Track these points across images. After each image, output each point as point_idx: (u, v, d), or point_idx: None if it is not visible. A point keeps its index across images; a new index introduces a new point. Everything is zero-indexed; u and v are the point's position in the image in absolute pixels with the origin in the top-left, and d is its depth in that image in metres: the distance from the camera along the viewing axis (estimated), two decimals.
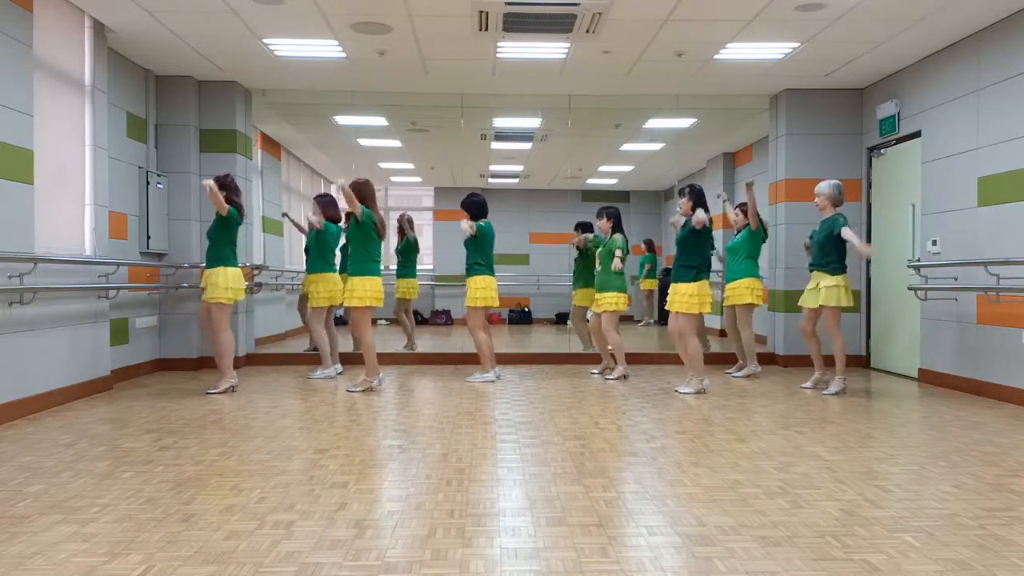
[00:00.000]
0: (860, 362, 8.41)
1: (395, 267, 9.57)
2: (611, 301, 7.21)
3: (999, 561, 2.68)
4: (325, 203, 7.54)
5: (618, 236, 7.33)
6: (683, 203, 6.53)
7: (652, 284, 13.91)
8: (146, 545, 2.80)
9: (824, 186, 6.56)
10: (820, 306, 6.45)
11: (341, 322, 10.74)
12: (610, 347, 7.43)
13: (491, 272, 7.05)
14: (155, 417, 5.32)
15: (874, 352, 8.26)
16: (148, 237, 7.54)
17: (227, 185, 6.36)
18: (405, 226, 9.55)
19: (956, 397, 6.36)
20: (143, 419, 5.24)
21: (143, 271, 7.54)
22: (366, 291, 6.35)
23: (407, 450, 4.32)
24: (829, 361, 6.75)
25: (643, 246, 14.14)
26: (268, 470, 3.86)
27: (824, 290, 6.38)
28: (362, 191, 6.42)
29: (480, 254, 7.00)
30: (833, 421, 5.25)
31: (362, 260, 6.42)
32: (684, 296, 6.38)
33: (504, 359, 8.79)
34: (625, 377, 7.36)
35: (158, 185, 7.74)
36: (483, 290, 6.96)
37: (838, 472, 3.87)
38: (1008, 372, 6.09)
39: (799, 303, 6.73)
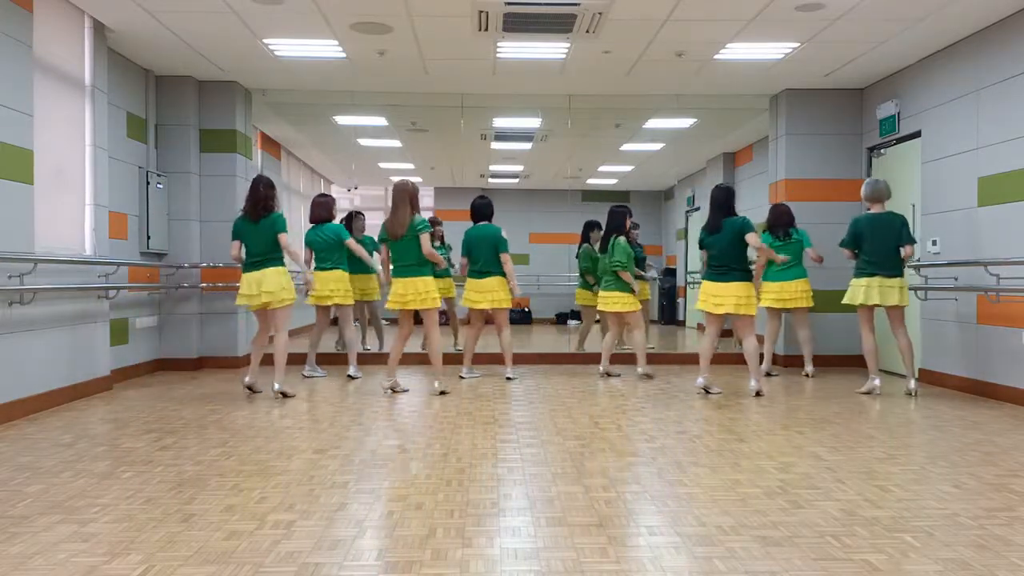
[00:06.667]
0: (860, 362, 8.40)
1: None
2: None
3: (999, 561, 2.68)
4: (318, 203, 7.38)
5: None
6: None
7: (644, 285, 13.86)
8: (146, 545, 2.80)
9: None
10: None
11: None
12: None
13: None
14: (155, 417, 5.32)
15: None
16: (148, 237, 7.54)
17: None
18: (439, 230, 9.67)
19: (956, 397, 6.36)
20: (143, 419, 5.24)
21: (143, 271, 7.54)
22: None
23: (407, 450, 4.33)
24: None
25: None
26: (268, 470, 3.87)
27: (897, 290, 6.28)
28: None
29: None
30: (833, 421, 5.25)
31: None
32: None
33: (503, 359, 8.77)
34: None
35: (158, 185, 7.74)
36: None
37: (838, 472, 3.87)
38: (1008, 372, 6.09)
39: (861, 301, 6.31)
